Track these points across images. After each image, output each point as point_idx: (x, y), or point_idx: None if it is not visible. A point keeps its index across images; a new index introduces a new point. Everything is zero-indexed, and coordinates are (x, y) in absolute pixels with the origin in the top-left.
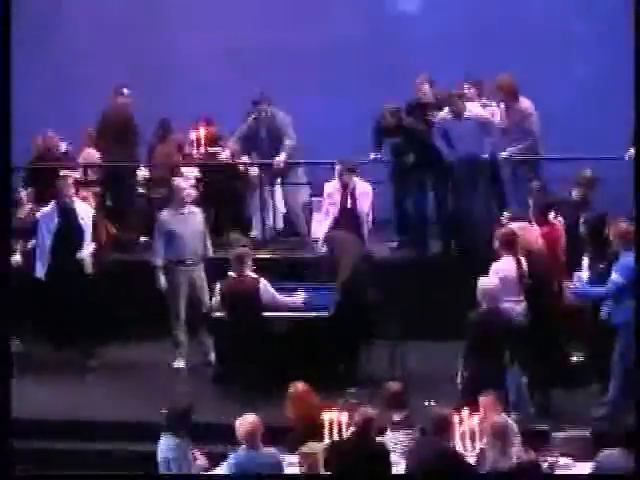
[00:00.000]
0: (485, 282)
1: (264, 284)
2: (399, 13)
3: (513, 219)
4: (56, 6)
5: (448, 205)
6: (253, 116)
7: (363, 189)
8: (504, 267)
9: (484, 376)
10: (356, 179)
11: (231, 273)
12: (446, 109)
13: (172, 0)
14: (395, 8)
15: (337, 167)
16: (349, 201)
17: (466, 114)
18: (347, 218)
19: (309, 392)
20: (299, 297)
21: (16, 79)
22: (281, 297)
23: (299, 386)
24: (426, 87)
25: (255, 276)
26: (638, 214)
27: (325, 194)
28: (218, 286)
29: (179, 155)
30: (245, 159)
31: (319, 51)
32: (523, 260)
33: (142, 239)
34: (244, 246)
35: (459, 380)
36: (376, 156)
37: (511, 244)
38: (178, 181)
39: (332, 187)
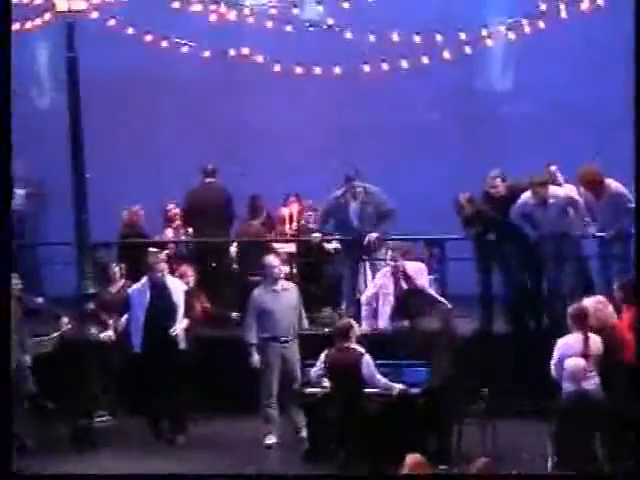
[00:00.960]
0: (570, 363)
1: (367, 360)
2: (487, 92)
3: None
4: (140, 85)
5: (534, 283)
6: (343, 190)
7: (415, 268)
8: (567, 343)
9: (575, 455)
10: (405, 262)
11: (337, 344)
12: (528, 194)
13: (259, 76)
14: (483, 87)
15: (389, 252)
16: (404, 283)
17: (551, 200)
18: (405, 301)
19: (425, 464)
20: (397, 386)
21: (105, 157)
22: (381, 378)
23: (416, 457)
24: (498, 182)
25: (360, 350)
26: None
27: (377, 285)
28: (321, 357)
29: (270, 231)
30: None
31: (408, 130)
32: (594, 337)
33: (234, 315)
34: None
35: (550, 463)
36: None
37: (581, 320)
38: (269, 258)
39: (382, 277)
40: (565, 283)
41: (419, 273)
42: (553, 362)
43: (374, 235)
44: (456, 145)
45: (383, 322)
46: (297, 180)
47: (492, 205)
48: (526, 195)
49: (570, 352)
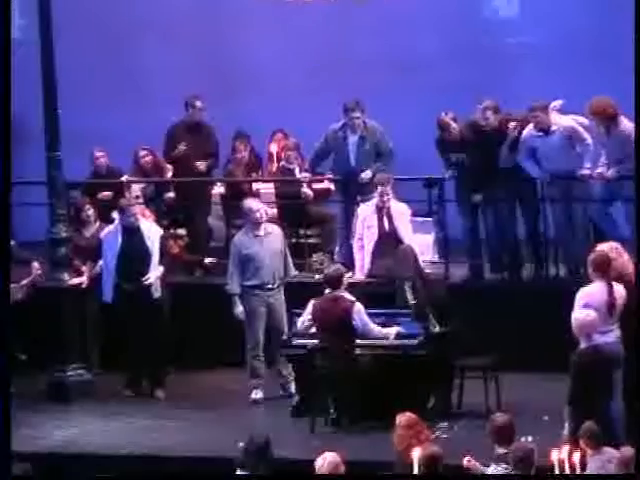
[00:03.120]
0: (579, 315)
1: (359, 308)
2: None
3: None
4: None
5: (531, 227)
6: (341, 122)
7: (400, 209)
8: (591, 293)
9: (592, 415)
10: (391, 200)
11: (326, 292)
12: (530, 126)
13: (249, 7)
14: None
15: (378, 181)
16: (387, 223)
17: (554, 127)
18: (388, 241)
19: (417, 422)
20: (392, 330)
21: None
22: (374, 327)
23: (408, 416)
24: (489, 114)
25: (351, 298)
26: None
27: (360, 218)
28: (309, 307)
29: (255, 171)
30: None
31: (402, 62)
32: (618, 286)
33: (208, 260)
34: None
35: (567, 429)
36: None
37: (604, 268)
38: (249, 202)
39: (366, 209)
40: (569, 228)
41: (403, 216)
42: (574, 314)
43: (370, 173)
44: (458, 78)
45: (371, 264)
46: (288, 115)
47: (480, 136)
48: (528, 128)
49: (594, 303)
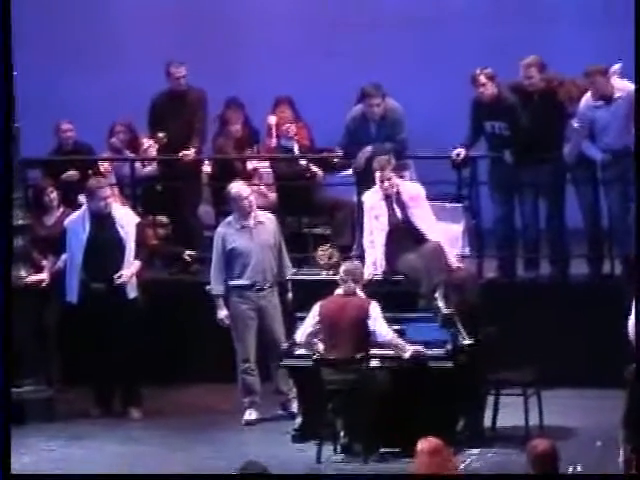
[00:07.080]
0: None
1: (375, 309)
2: None
3: None
4: None
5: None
6: (360, 110)
7: (412, 192)
8: None
9: None
10: (399, 180)
11: (338, 291)
12: (587, 94)
13: None
14: None
15: (375, 166)
16: (398, 211)
17: (617, 94)
18: (402, 233)
19: (443, 448)
20: (410, 348)
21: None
22: (390, 331)
23: (431, 441)
24: (534, 72)
25: (364, 297)
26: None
27: (366, 207)
28: (315, 310)
29: (249, 147)
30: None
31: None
32: None
33: (187, 254)
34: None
35: (622, 456)
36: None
37: None
38: (237, 187)
39: (372, 197)
40: (626, 216)
41: (417, 200)
42: (630, 321)
43: (389, 145)
44: (485, 37)
45: (385, 261)
46: (292, 81)
47: (523, 101)
48: (585, 98)
49: None
